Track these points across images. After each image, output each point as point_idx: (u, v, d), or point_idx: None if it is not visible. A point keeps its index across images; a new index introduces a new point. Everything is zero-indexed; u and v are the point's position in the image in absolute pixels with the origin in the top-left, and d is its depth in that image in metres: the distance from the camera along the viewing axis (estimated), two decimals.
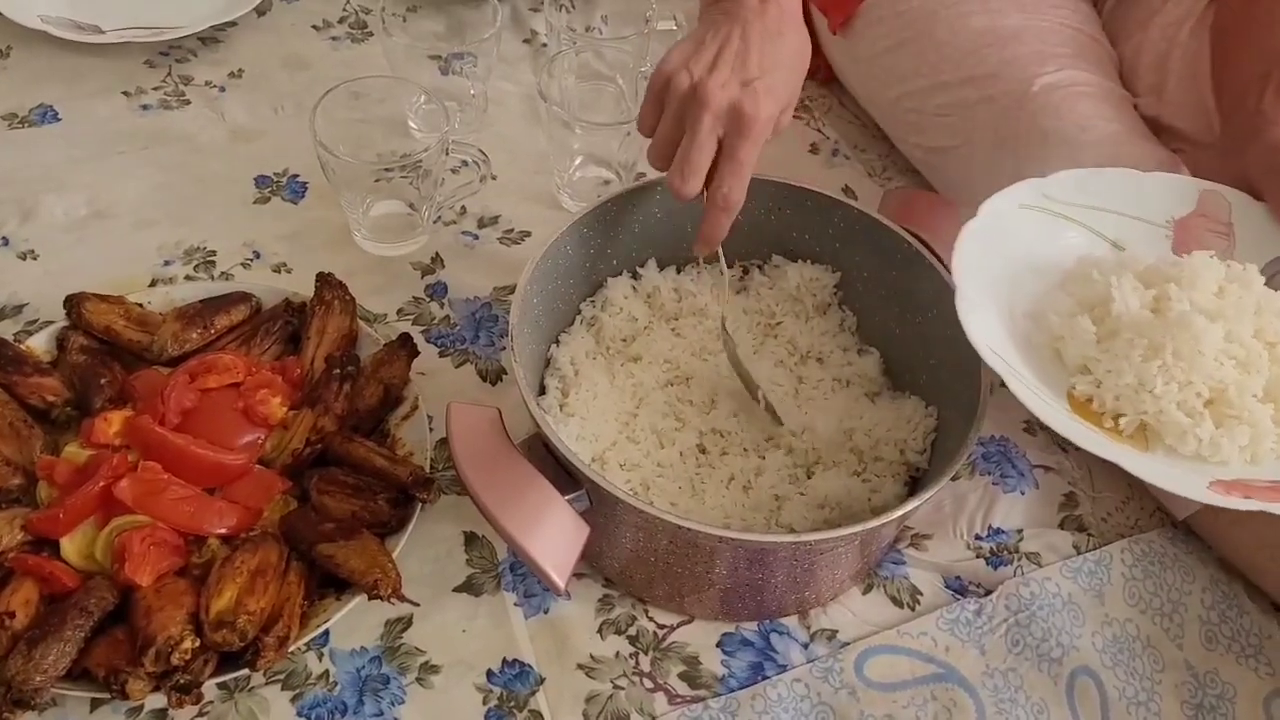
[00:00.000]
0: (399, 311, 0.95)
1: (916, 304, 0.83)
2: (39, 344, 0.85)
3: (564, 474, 0.71)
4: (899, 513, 0.69)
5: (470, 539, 0.81)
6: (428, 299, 0.96)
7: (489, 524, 0.67)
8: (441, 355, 0.92)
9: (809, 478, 0.80)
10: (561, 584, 0.67)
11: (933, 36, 1.02)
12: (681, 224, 0.89)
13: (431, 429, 0.83)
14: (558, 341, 0.86)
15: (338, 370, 0.83)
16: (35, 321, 0.90)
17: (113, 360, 0.84)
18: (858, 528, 0.68)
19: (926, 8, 1.04)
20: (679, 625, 0.78)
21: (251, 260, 0.97)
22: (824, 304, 0.90)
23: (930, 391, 0.83)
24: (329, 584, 0.75)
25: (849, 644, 0.78)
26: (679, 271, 0.90)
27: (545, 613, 0.78)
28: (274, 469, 0.79)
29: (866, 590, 0.81)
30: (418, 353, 0.87)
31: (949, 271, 0.71)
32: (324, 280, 0.88)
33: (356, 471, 0.79)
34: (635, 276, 0.88)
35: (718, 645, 0.77)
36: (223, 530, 0.75)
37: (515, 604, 0.78)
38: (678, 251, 0.90)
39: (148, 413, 0.78)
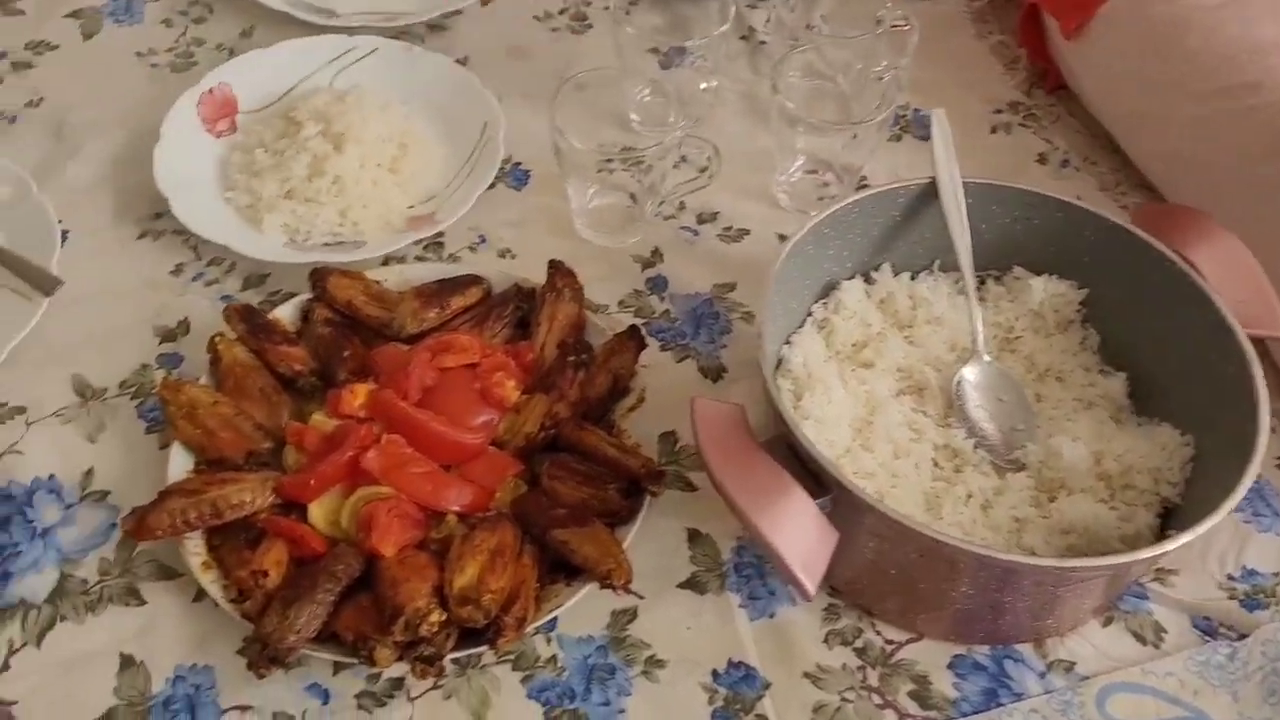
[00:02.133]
0: (620, 303, 0.94)
1: (1175, 326, 0.79)
2: (285, 314, 0.88)
3: (809, 477, 0.69)
4: (1168, 547, 0.66)
5: (694, 536, 0.80)
6: (648, 292, 0.95)
7: (739, 521, 0.66)
8: (663, 349, 0.91)
9: (1051, 501, 0.77)
10: (813, 590, 0.65)
11: (1183, 45, 0.97)
12: (922, 230, 0.87)
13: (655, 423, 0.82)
14: (788, 342, 0.84)
15: (572, 357, 0.83)
16: (277, 293, 0.93)
17: (353, 334, 0.86)
18: (1126, 558, 0.65)
19: (1175, 14, 0.99)
20: (907, 642, 0.76)
21: (478, 244, 0.98)
22: (1066, 320, 0.87)
23: (1184, 419, 0.79)
24: (556, 569, 0.75)
25: (1089, 678, 0.74)
26: (914, 278, 0.87)
27: (770, 617, 0.77)
28: (506, 451, 0.80)
29: (1106, 623, 0.77)
30: (645, 345, 0.86)
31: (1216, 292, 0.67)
32: (556, 267, 0.89)
33: (587, 460, 0.79)
34: (869, 281, 0.86)
35: (949, 666, 0.75)
36: (459, 507, 0.76)
37: (740, 605, 0.77)
38: (913, 258, 0.88)
39: (390, 387, 0.80)
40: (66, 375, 0.85)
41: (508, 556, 0.73)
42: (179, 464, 0.78)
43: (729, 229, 1.01)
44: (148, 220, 0.98)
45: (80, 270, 0.90)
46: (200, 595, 0.74)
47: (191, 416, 0.79)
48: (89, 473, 0.80)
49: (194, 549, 0.74)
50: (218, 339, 0.83)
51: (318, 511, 0.75)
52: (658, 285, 0.94)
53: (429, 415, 0.78)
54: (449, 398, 0.80)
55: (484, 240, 0.97)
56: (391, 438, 0.77)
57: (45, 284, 0.86)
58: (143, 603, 0.74)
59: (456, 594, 0.70)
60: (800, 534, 0.66)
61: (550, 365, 0.83)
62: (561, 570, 0.75)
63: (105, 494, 0.79)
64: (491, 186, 1.00)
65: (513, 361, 0.84)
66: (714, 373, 0.90)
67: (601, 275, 0.92)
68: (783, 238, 0.97)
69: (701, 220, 1.02)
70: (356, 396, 0.79)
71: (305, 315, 0.87)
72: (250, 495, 0.75)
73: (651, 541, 0.79)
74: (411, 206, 0.99)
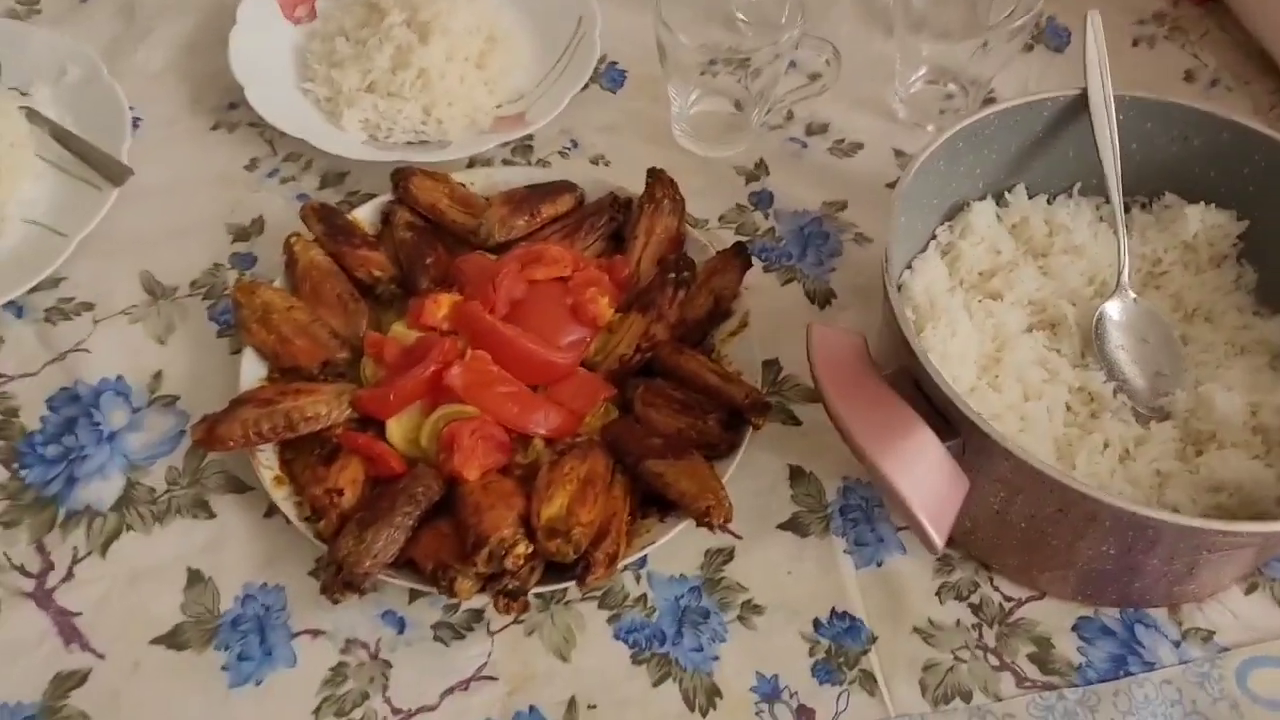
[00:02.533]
0: (720, 218, 0.87)
1: None
2: (364, 216, 0.82)
3: (937, 416, 0.62)
4: None
5: (797, 474, 0.74)
6: (751, 207, 0.88)
7: (860, 461, 0.60)
8: (766, 270, 0.84)
9: (1199, 455, 0.69)
10: (941, 543, 0.59)
11: None
12: (1064, 149, 0.78)
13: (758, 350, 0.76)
14: (909, 268, 0.77)
15: (673, 275, 0.76)
16: (356, 193, 0.88)
17: (436, 240, 0.80)
18: None
19: None
20: (1027, 600, 0.70)
21: (569, 150, 0.92)
22: (1220, 255, 0.78)
23: None
24: (648, 502, 0.70)
25: (1229, 649, 0.67)
26: (1050, 202, 0.79)
27: (878, 565, 0.71)
28: (598, 373, 0.74)
29: (1249, 590, 0.70)
30: (751, 264, 0.79)
31: None
32: (656, 177, 0.82)
33: (684, 386, 0.73)
34: (1001, 203, 0.78)
35: (1073, 629, 0.68)
36: (546, 431, 0.71)
37: (845, 551, 0.71)
38: (1051, 180, 0.79)
39: (476, 299, 0.74)
40: (135, 271, 0.81)
41: (598, 487, 0.67)
42: (251, 371, 0.73)
43: (840, 142, 0.93)
44: (221, 110, 0.93)
45: (151, 161, 0.86)
46: (272, 511, 0.70)
47: (265, 321, 0.74)
48: (158, 375, 0.76)
49: (266, 462, 0.69)
50: (294, 239, 0.78)
51: (396, 429, 0.70)
52: (762, 201, 0.87)
53: (517, 331, 0.72)
54: (538, 313, 0.74)
55: (575, 145, 0.91)
56: (476, 353, 0.72)
57: (116, 173, 0.82)
58: (212, 516, 0.70)
59: (544, 525, 0.65)
60: (929, 479, 0.60)
61: (648, 283, 0.77)
62: (654, 504, 0.69)
63: (174, 399, 0.75)
64: (585, 88, 0.93)
65: (606, 277, 0.77)
66: (821, 298, 0.83)
67: (701, 188, 0.85)
68: (900, 153, 0.90)
69: (811, 131, 0.94)
70: (440, 307, 0.74)
71: (386, 218, 0.82)
72: (326, 408, 0.70)
73: (751, 478, 0.73)
74: (499, 106, 0.92)
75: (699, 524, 0.66)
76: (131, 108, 0.87)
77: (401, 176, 0.81)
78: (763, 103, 0.89)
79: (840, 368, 0.64)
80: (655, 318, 0.74)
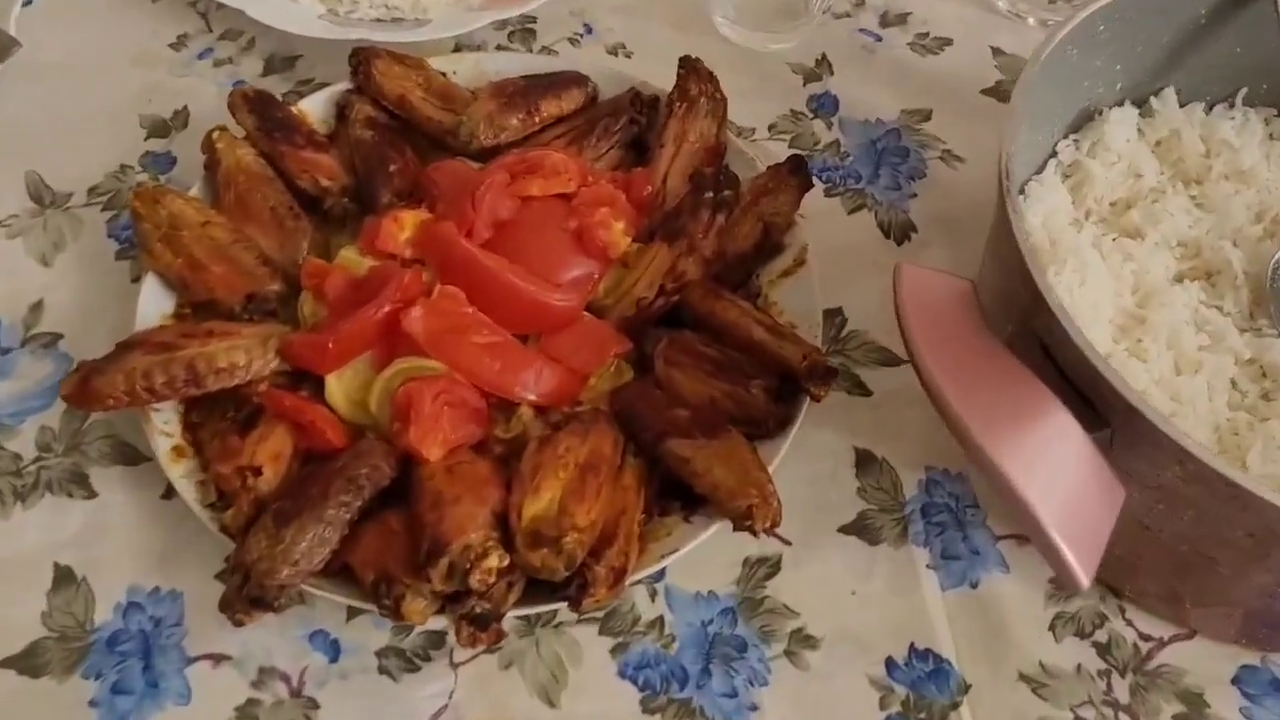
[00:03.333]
0: (771, 128, 0.72)
1: None
2: (314, 110, 0.66)
3: (1076, 397, 0.45)
4: None
5: (865, 460, 0.58)
6: (809, 115, 0.73)
7: (968, 454, 0.43)
8: (828, 194, 0.67)
9: None
10: (1086, 578, 0.41)
11: None
12: (1229, 42, 0.60)
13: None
14: (1021, 193, 0.58)
15: (710, 194, 0.58)
16: (309, 82, 0.71)
17: (404, 143, 0.64)
18: None
19: None
20: (1171, 639, 0.54)
21: (581, 36, 0.75)
22: None
23: None
24: (669, 493, 0.53)
25: None
26: (1209, 111, 0.60)
27: (972, 587, 0.54)
28: (608, 321, 0.56)
29: None
30: (811, 184, 0.61)
31: None
32: (691, 68, 0.65)
33: (720, 342, 0.56)
34: (1144, 112, 0.59)
35: (1234, 681, 0.52)
36: (536, 397, 0.54)
37: (928, 566, 0.55)
38: (1210, 82, 0.61)
39: (451, 218, 0.57)
40: (19, 172, 0.67)
41: (603, 475, 0.51)
42: (153, 305, 0.58)
43: (923, 36, 0.77)
44: None
45: (48, 32, 0.72)
46: (171, 492, 0.53)
47: (172, 240, 0.58)
48: (37, 306, 0.62)
49: (165, 427, 0.54)
50: (216, 135, 0.62)
51: (337, 388, 0.55)
52: (824, 106, 0.73)
53: (501, 262, 0.56)
54: (531, 239, 0.59)
55: (589, 31, 0.77)
56: (447, 290, 0.55)
57: None
58: (92, 495, 0.56)
59: (527, 528, 0.48)
60: (1069, 485, 0.44)
61: (676, 204, 0.59)
62: (676, 497, 0.54)
63: (56, 338, 0.61)
64: None
65: (623, 195, 0.61)
66: (899, 231, 0.66)
67: (746, 89, 0.71)
68: (998, 51, 0.73)
69: (886, 22, 0.78)
70: (402, 227, 0.58)
71: (341, 112, 0.66)
72: (245, 357, 0.54)
73: (804, 464, 0.57)
74: None
75: (737, 527, 0.51)
76: None
77: (362, 59, 0.65)
78: None
79: (940, 324, 0.47)
80: (686, 249, 0.57)
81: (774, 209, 0.61)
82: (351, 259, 0.58)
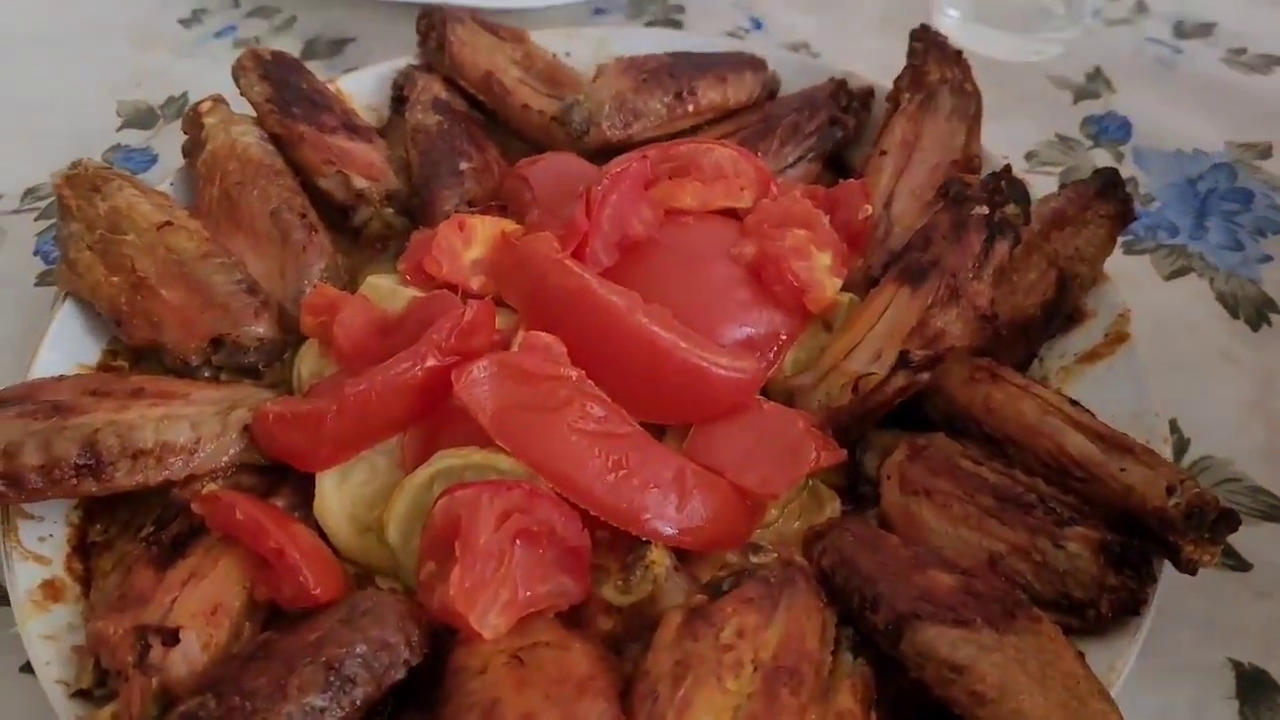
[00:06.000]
0: (1029, 156, 0.54)
1: None
2: (360, 90, 0.46)
3: None
4: None
5: (1250, 683, 0.34)
6: (1086, 141, 0.54)
7: None
8: (1130, 251, 0.44)
9: None
10: None
11: None
12: None
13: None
14: None
15: (983, 208, 0.35)
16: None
17: (486, 138, 0.45)
18: None
19: None
20: None
21: (747, 31, 0.59)
22: None
23: None
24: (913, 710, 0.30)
25: None
26: None
27: None
28: (802, 410, 0.34)
29: None
30: (1132, 213, 0.38)
31: None
32: (930, 42, 0.43)
33: (1004, 456, 0.32)
34: None
35: None
36: (677, 532, 0.32)
37: None
38: None
39: (551, 230, 0.35)
40: None
41: (806, 689, 0.26)
42: (65, 345, 0.40)
43: (1239, 51, 0.56)
44: None
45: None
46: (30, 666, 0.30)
47: (109, 248, 0.37)
48: None
49: (36, 546, 0.31)
50: (207, 106, 0.42)
51: (335, 497, 0.36)
52: (1107, 131, 0.56)
53: (633, 300, 0.33)
54: (680, 271, 0.39)
55: (758, 26, 0.61)
56: (536, 339, 0.33)
57: None
58: None
59: None
60: None
61: (924, 226, 0.37)
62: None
63: None
64: None
65: (825, 217, 0.38)
66: (1251, 308, 0.42)
67: (992, 106, 0.50)
68: None
69: (1183, 33, 0.57)
70: (471, 240, 0.36)
71: (399, 94, 0.44)
72: (188, 434, 0.37)
73: (1152, 685, 0.32)
74: None
75: None
76: None
77: (436, 21, 0.44)
78: None
79: None
80: (944, 297, 0.34)
81: (1073, 249, 0.37)
82: (382, 287, 0.37)
